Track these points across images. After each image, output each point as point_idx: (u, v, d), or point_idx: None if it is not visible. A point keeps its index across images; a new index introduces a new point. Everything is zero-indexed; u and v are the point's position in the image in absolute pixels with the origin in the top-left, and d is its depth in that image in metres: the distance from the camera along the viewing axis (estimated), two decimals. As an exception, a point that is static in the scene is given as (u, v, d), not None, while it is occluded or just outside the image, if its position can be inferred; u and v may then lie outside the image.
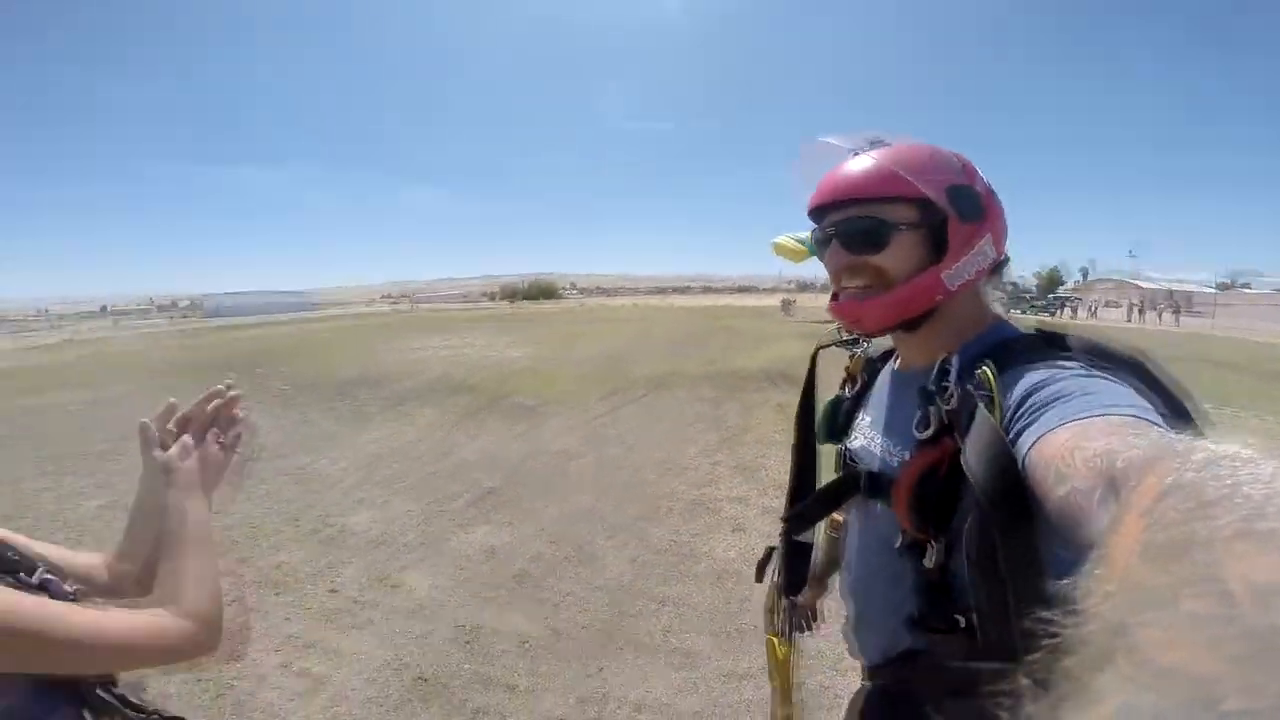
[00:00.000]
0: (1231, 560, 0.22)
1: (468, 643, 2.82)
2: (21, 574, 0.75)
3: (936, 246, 0.84)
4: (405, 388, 9.58)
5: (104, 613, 0.73)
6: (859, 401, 1.09)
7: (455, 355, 13.68)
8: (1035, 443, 0.61)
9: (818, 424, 1.14)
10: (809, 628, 1.37)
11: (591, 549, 3.78)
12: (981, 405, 0.70)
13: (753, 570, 1.36)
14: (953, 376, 0.77)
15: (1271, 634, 0.19)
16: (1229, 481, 0.28)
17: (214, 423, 0.96)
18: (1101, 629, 0.23)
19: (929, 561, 0.80)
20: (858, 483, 0.96)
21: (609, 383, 9.55)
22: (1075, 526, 0.48)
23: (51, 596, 0.74)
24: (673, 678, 2.52)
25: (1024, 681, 0.26)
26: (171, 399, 0.93)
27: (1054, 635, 0.25)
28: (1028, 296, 53.45)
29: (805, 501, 1.13)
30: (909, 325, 0.88)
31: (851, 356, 1.13)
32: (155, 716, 0.83)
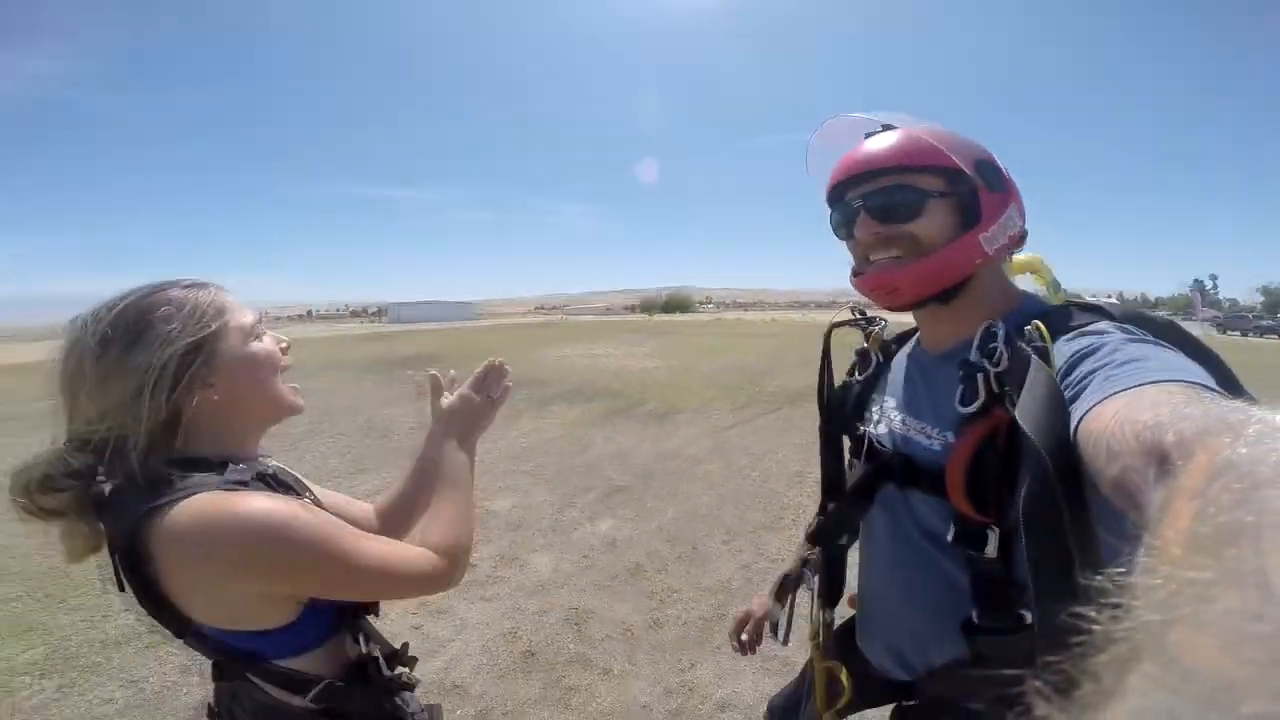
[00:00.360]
0: (1277, 551, 0.21)
1: (576, 624, 3.05)
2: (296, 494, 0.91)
3: (966, 216, 0.84)
4: (552, 390, 10.28)
5: (370, 537, 0.83)
6: (870, 385, 1.05)
7: (597, 363, 14.35)
8: (1085, 415, 0.57)
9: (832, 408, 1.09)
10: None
11: (706, 551, 3.88)
12: (1036, 358, 0.67)
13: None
14: (1000, 339, 0.75)
15: None
16: None
17: (484, 384, 1.13)
18: (1136, 626, 0.21)
19: (991, 550, 0.74)
20: (890, 473, 0.91)
21: (742, 394, 9.56)
22: (1130, 508, 0.45)
23: None
24: (762, 682, 2.54)
25: (1042, 682, 0.24)
26: (452, 371, 1.15)
27: (1087, 631, 0.23)
28: (1249, 316, 45.57)
29: (839, 499, 1.04)
30: (944, 296, 0.86)
31: (867, 336, 1.08)
32: (405, 647, 1.01)
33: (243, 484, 0.80)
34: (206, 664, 0.86)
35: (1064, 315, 0.78)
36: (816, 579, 1.15)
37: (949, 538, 0.79)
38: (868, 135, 0.89)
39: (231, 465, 0.83)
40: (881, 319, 1.09)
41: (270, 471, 0.90)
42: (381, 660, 0.93)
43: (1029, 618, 0.72)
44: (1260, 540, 0.22)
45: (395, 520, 1.12)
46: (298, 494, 0.91)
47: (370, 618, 0.95)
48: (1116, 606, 0.23)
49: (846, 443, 1.08)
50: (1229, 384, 0.64)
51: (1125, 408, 0.53)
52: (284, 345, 0.95)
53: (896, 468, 0.90)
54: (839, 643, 1.09)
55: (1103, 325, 0.73)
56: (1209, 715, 0.17)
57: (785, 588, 1.20)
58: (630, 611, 3.17)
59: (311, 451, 6.54)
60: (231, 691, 0.88)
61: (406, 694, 0.99)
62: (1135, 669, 0.20)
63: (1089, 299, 0.84)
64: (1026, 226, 0.89)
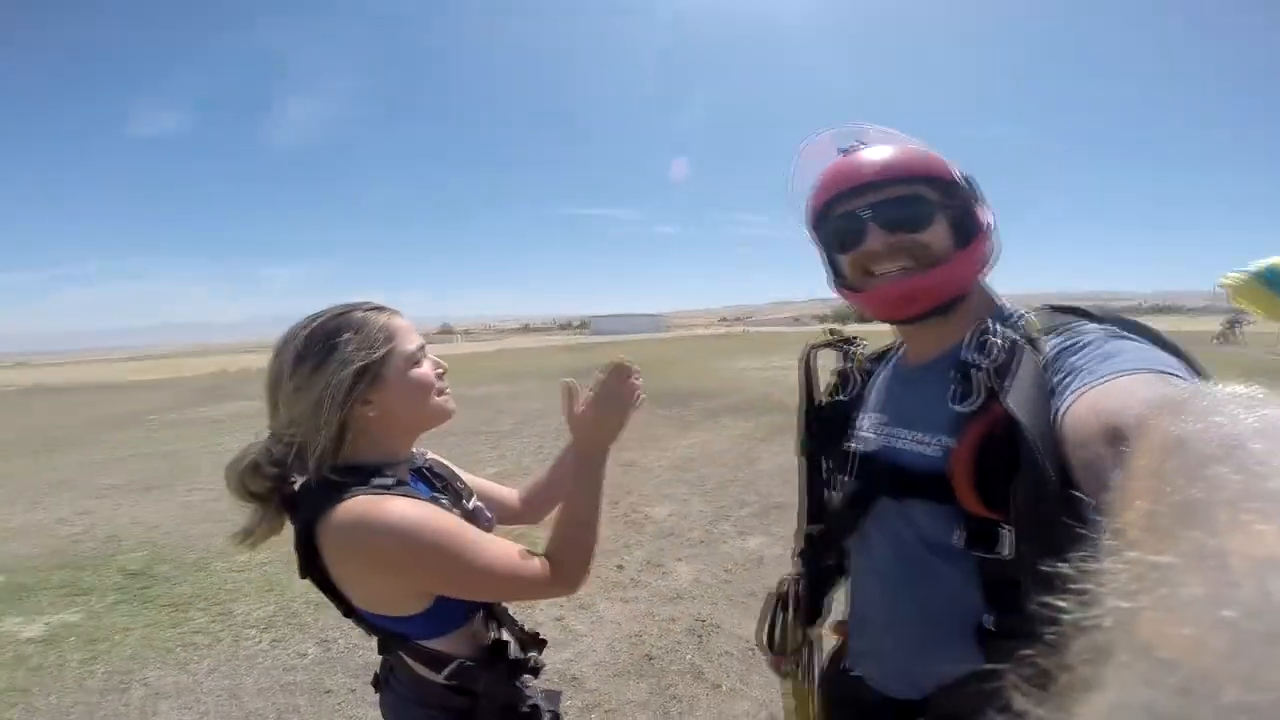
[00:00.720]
0: (1233, 531, 0.21)
1: (700, 636, 3.01)
2: (462, 500, 1.04)
3: (959, 229, 0.86)
4: (726, 402, 10.26)
5: (496, 544, 0.91)
6: (855, 404, 1.04)
7: (775, 376, 14.02)
8: (1064, 411, 0.60)
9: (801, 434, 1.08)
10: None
11: (854, 581, 3.58)
12: (1027, 348, 0.71)
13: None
14: (994, 334, 0.77)
15: (1266, 618, 0.18)
16: (1231, 432, 0.26)
17: (609, 388, 1.10)
18: (1103, 615, 0.21)
19: (1006, 549, 0.72)
20: (883, 485, 0.90)
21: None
22: (1098, 491, 0.43)
23: (475, 524, 0.95)
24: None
25: (1018, 675, 0.24)
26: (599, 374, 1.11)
27: (1057, 622, 0.23)
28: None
29: (829, 516, 1.03)
30: (949, 306, 0.87)
31: (847, 356, 1.08)
32: (535, 635, 1.09)
33: (387, 489, 0.90)
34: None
35: (1046, 316, 0.81)
36: (795, 597, 1.13)
37: (957, 543, 0.78)
38: (843, 151, 0.92)
39: (385, 470, 0.94)
40: (860, 339, 1.10)
41: (427, 465, 1.06)
42: (513, 644, 1.03)
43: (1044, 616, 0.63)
44: (1214, 520, 0.22)
45: (535, 505, 1.28)
46: (447, 483, 1.06)
47: (515, 605, 1.07)
48: (1083, 594, 0.23)
49: (825, 464, 1.08)
50: (1199, 374, 0.65)
51: (1099, 397, 0.55)
52: (441, 370, 1.04)
53: (888, 480, 0.89)
54: (826, 673, 1.09)
55: (1085, 324, 0.75)
56: (1188, 707, 0.18)
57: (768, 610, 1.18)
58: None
59: (511, 449, 7.32)
60: (389, 664, 1.04)
61: (529, 677, 1.07)
62: (1109, 660, 0.20)
63: (1062, 303, 0.85)
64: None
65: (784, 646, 1.12)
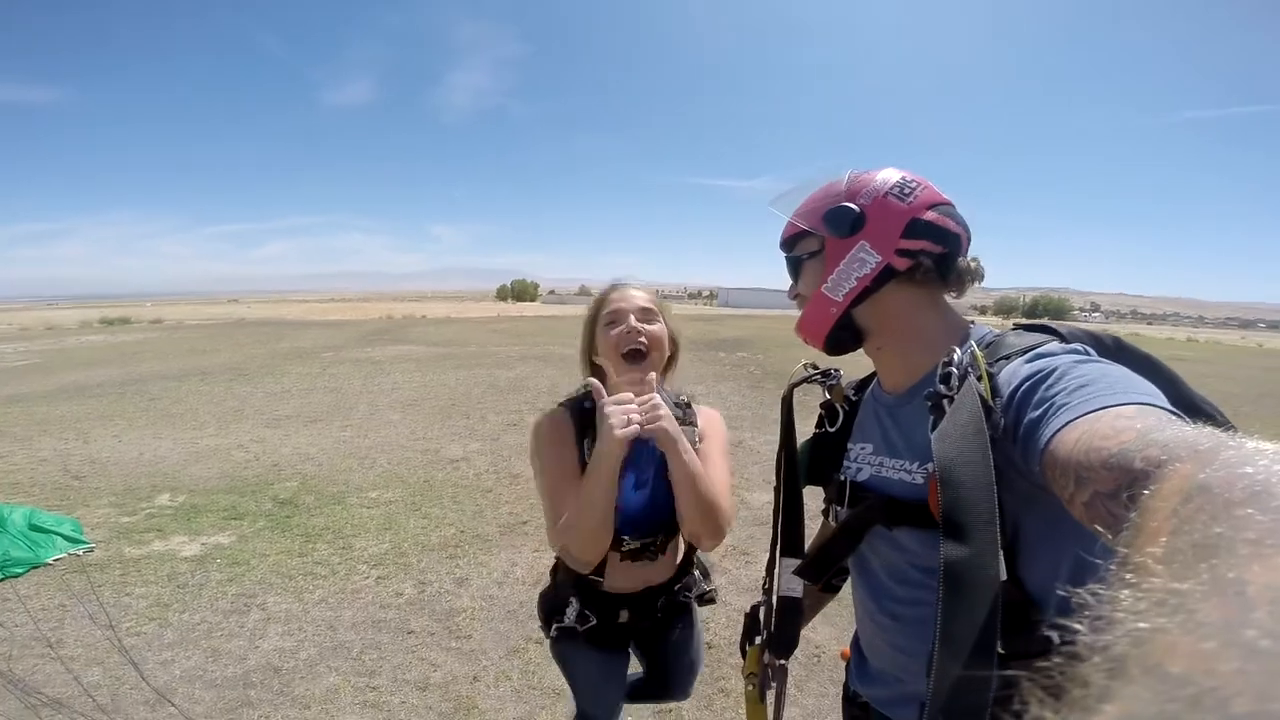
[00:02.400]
0: (1254, 563, 0.22)
1: None
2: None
3: (822, 271, 0.93)
4: (850, 389, 9.71)
5: (560, 494, 1.26)
6: (843, 435, 1.06)
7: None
8: (1048, 443, 0.60)
9: (800, 465, 1.11)
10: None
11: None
12: (971, 381, 0.72)
13: None
14: (955, 366, 0.78)
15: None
16: (1260, 480, 0.27)
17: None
18: (1118, 637, 0.22)
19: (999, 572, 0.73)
20: (876, 514, 0.92)
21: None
22: (1103, 529, 0.46)
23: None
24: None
25: (1035, 688, 0.25)
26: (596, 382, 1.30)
27: (1072, 642, 0.24)
28: None
29: (820, 546, 1.07)
30: (850, 339, 0.96)
31: (830, 389, 1.10)
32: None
33: (566, 407, 1.36)
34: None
35: (1014, 338, 0.82)
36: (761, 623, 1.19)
37: None
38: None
39: (583, 397, 1.37)
40: (837, 371, 1.12)
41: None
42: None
43: (1056, 637, 0.50)
44: (1235, 553, 0.23)
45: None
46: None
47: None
48: (1098, 619, 0.24)
49: (807, 496, 1.12)
50: (1179, 397, 0.69)
51: (1086, 434, 0.55)
52: (627, 332, 1.30)
53: (880, 508, 0.91)
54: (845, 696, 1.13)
55: (1053, 347, 0.76)
56: (1200, 717, 0.18)
57: (749, 636, 1.25)
58: (826, 637, 2.83)
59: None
60: None
61: (574, 600, 1.41)
62: (1123, 675, 0.21)
63: (1028, 322, 0.87)
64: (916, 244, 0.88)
65: (747, 669, 1.20)
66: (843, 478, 1.01)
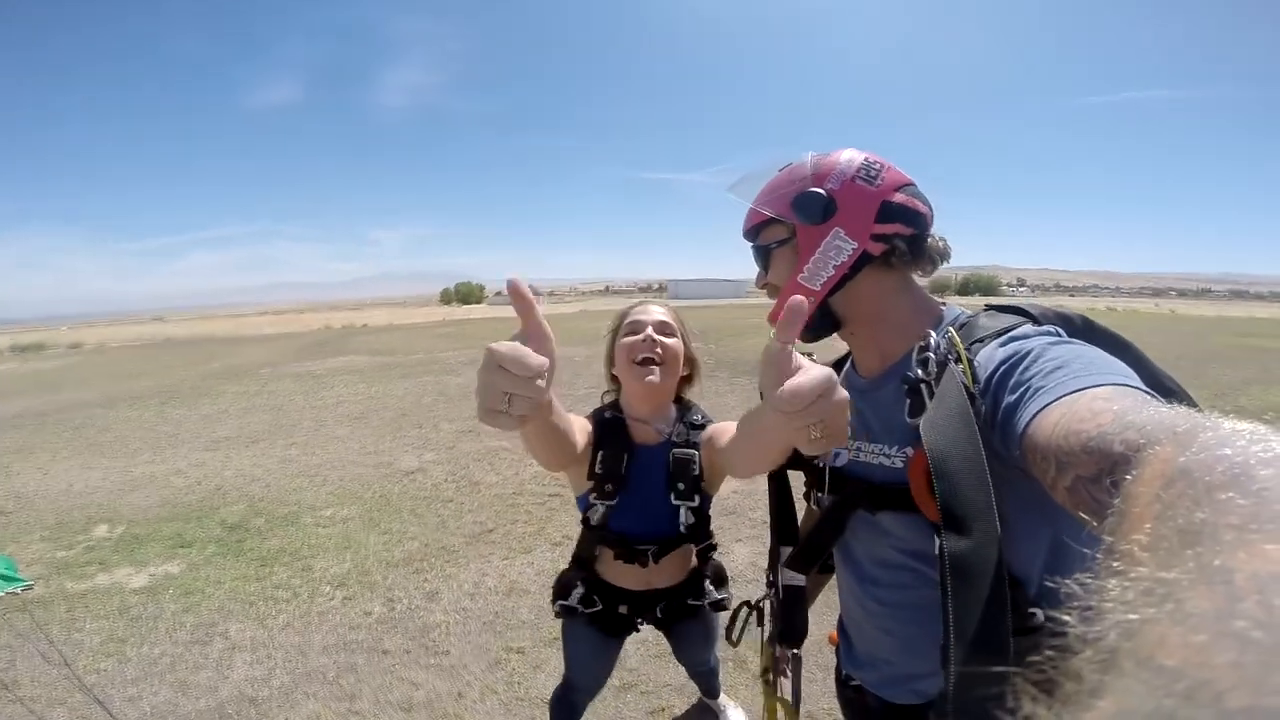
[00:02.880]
0: (1239, 550, 0.22)
1: (749, 625, 2.90)
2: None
3: (795, 257, 0.92)
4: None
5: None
6: None
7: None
8: (1026, 427, 0.61)
9: None
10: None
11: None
12: (951, 367, 0.74)
13: None
14: (931, 350, 0.79)
15: (1272, 629, 0.19)
16: (1239, 462, 0.27)
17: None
18: (1108, 628, 0.22)
19: None
20: (858, 500, 0.93)
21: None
22: (1086, 514, 0.47)
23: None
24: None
25: (1026, 682, 0.25)
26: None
27: (1061, 633, 0.24)
28: None
29: (806, 535, 1.06)
30: (827, 327, 0.95)
31: None
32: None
33: (591, 417, 1.43)
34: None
35: (987, 320, 0.82)
36: (768, 615, 1.21)
37: (935, 549, 0.78)
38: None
39: (606, 407, 1.48)
40: (811, 355, 1.08)
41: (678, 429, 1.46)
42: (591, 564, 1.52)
43: (1040, 615, 0.73)
44: (1220, 540, 0.23)
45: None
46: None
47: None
48: (1088, 609, 0.24)
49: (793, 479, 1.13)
50: (1149, 374, 0.71)
51: (1065, 417, 0.56)
52: (638, 340, 1.38)
53: (861, 493, 0.92)
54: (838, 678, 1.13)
55: (1025, 329, 0.76)
56: (1194, 712, 0.18)
57: (730, 630, 1.33)
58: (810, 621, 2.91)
59: (586, 411, 7.29)
60: None
61: (581, 585, 1.52)
62: (1115, 669, 0.21)
63: (999, 303, 0.88)
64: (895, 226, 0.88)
65: (762, 666, 1.21)
66: (821, 463, 1.01)
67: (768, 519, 3.38)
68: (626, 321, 1.43)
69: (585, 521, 1.45)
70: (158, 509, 4.79)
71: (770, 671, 1.19)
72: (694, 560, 1.56)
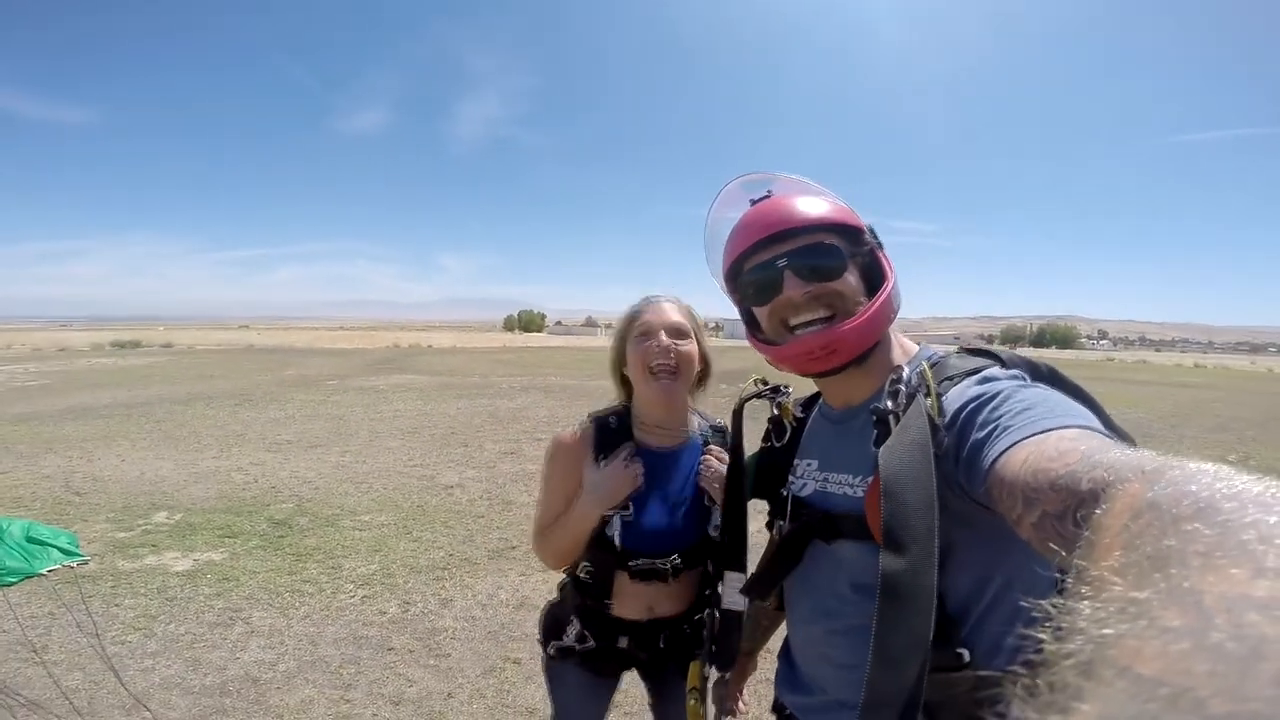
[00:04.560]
0: (1207, 574, 0.23)
1: None
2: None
3: (868, 276, 0.89)
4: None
5: (548, 508, 1.32)
6: (790, 450, 1.05)
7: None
8: (994, 464, 0.61)
9: (746, 478, 1.12)
10: (733, 711, 1.25)
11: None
12: (919, 398, 0.74)
13: None
14: (904, 383, 0.79)
15: (1245, 642, 0.20)
16: (1204, 496, 0.29)
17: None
18: (1083, 643, 0.23)
19: None
20: (816, 529, 0.92)
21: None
22: (1053, 547, 0.47)
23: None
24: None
25: (1010, 693, 0.26)
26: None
27: (1037, 651, 0.25)
28: None
29: (762, 562, 1.04)
30: (865, 356, 0.89)
31: (779, 406, 1.09)
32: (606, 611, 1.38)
33: (594, 421, 1.36)
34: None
35: (958, 361, 0.83)
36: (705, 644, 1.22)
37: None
38: (754, 200, 0.94)
39: (615, 413, 1.38)
40: (787, 387, 1.11)
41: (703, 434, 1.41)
42: (592, 593, 1.35)
43: (967, 655, 0.74)
44: (1188, 564, 0.24)
45: None
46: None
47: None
48: (1060, 628, 0.24)
49: (753, 508, 1.13)
50: (1105, 420, 0.68)
51: (1032, 456, 0.57)
52: (657, 348, 1.30)
53: (818, 523, 0.92)
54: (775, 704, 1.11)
55: (995, 371, 0.78)
56: (1180, 717, 0.18)
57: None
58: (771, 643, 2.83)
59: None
60: None
61: (576, 621, 1.38)
62: (1095, 677, 0.21)
63: (972, 346, 0.88)
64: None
65: (689, 684, 1.21)
66: (786, 493, 1.01)
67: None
68: (638, 323, 1.33)
69: (596, 543, 1.30)
70: (214, 501, 5.11)
71: (696, 690, 1.19)
72: (696, 587, 1.38)
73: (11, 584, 3.40)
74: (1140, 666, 0.20)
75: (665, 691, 1.49)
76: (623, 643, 1.35)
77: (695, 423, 1.41)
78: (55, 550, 3.74)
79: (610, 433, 1.34)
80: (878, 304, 0.86)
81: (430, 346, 34.94)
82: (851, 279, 0.87)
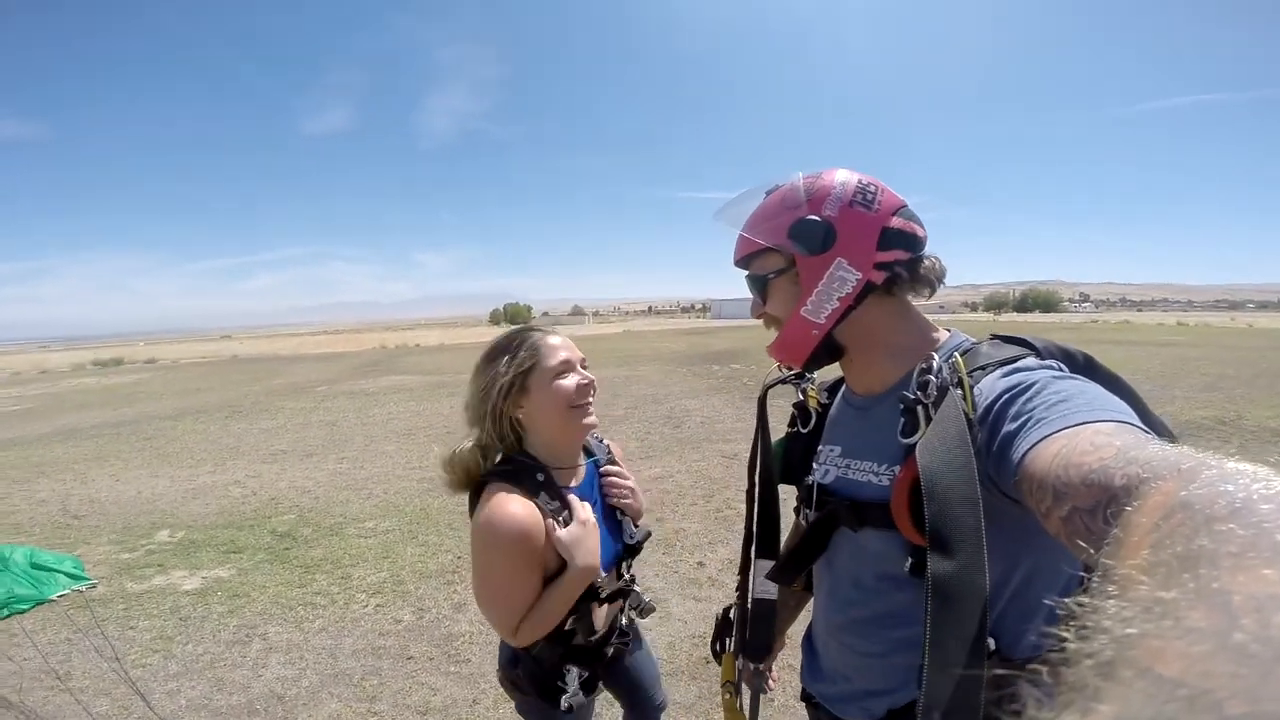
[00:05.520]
0: (1237, 574, 0.23)
1: None
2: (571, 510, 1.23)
3: (799, 286, 0.89)
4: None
5: (509, 599, 1.15)
6: (815, 437, 1.06)
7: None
8: (1026, 455, 0.61)
9: (774, 464, 1.12)
10: (766, 689, 1.23)
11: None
12: (952, 393, 0.73)
13: None
14: (933, 373, 0.78)
15: (1269, 644, 0.20)
16: (1241, 497, 0.28)
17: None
18: (1106, 642, 0.23)
19: None
20: (842, 516, 0.92)
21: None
22: (1081, 543, 0.48)
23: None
24: None
25: (1027, 692, 0.26)
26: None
27: (1059, 649, 0.25)
28: None
29: (789, 549, 1.06)
30: (829, 356, 0.93)
31: (804, 392, 1.10)
32: (603, 635, 1.33)
33: (518, 483, 1.17)
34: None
35: (990, 349, 0.81)
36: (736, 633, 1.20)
37: (905, 569, 0.80)
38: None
39: (545, 467, 1.22)
40: (809, 375, 1.11)
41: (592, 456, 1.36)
42: (579, 635, 1.26)
43: (993, 644, 0.74)
44: (1218, 564, 0.24)
45: None
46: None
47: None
48: (1084, 627, 0.24)
49: (783, 493, 1.12)
50: (1142, 412, 0.69)
51: (1065, 449, 0.56)
52: (585, 382, 1.24)
53: (845, 510, 0.91)
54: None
55: (1030, 361, 0.76)
56: (1196, 718, 0.18)
57: (719, 641, 1.29)
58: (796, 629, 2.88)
59: (620, 434, 7.42)
60: None
61: (573, 667, 1.29)
62: (1115, 677, 0.21)
63: (1006, 334, 0.86)
64: (894, 252, 0.86)
65: (723, 677, 1.21)
66: (810, 480, 1.01)
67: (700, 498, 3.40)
68: (553, 361, 1.22)
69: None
70: (215, 516, 5.07)
71: (732, 684, 1.19)
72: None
73: (23, 611, 3.38)
74: (1162, 667, 0.20)
75: (634, 668, 1.53)
76: (609, 653, 1.37)
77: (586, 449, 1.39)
78: (62, 575, 3.71)
79: (545, 490, 1.22)
80: (783, 330, 0.92)
81: (418, 345, 34.66)
82: (778, 299, 0.92)
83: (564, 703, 1.29)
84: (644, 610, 1.42)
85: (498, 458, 1.26)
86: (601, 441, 1.44)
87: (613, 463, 1.40)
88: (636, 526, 1.38)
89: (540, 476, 1.21)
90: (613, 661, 1.40)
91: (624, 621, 1.41)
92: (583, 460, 1.34)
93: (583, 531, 1.17)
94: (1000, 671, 0.71)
